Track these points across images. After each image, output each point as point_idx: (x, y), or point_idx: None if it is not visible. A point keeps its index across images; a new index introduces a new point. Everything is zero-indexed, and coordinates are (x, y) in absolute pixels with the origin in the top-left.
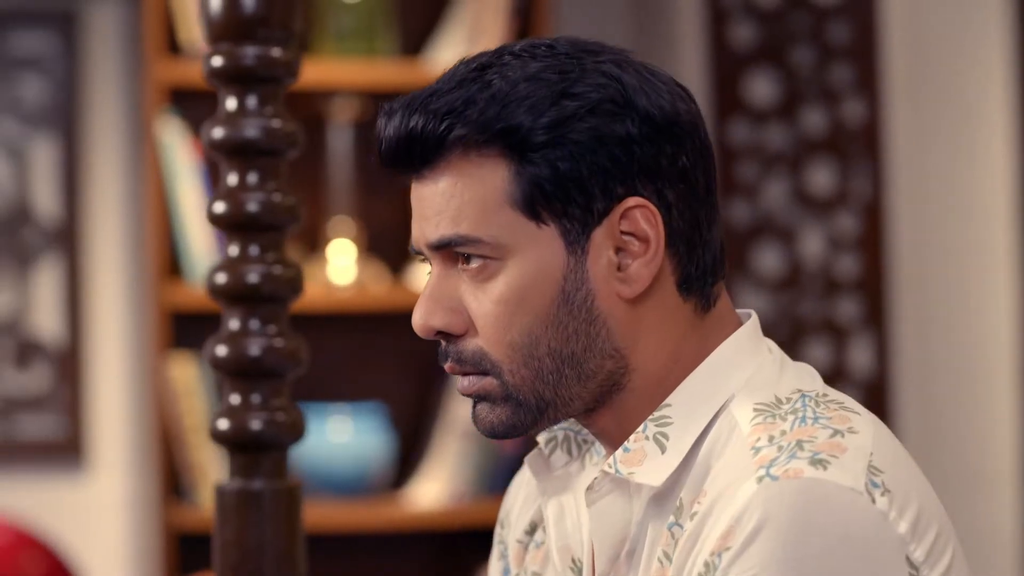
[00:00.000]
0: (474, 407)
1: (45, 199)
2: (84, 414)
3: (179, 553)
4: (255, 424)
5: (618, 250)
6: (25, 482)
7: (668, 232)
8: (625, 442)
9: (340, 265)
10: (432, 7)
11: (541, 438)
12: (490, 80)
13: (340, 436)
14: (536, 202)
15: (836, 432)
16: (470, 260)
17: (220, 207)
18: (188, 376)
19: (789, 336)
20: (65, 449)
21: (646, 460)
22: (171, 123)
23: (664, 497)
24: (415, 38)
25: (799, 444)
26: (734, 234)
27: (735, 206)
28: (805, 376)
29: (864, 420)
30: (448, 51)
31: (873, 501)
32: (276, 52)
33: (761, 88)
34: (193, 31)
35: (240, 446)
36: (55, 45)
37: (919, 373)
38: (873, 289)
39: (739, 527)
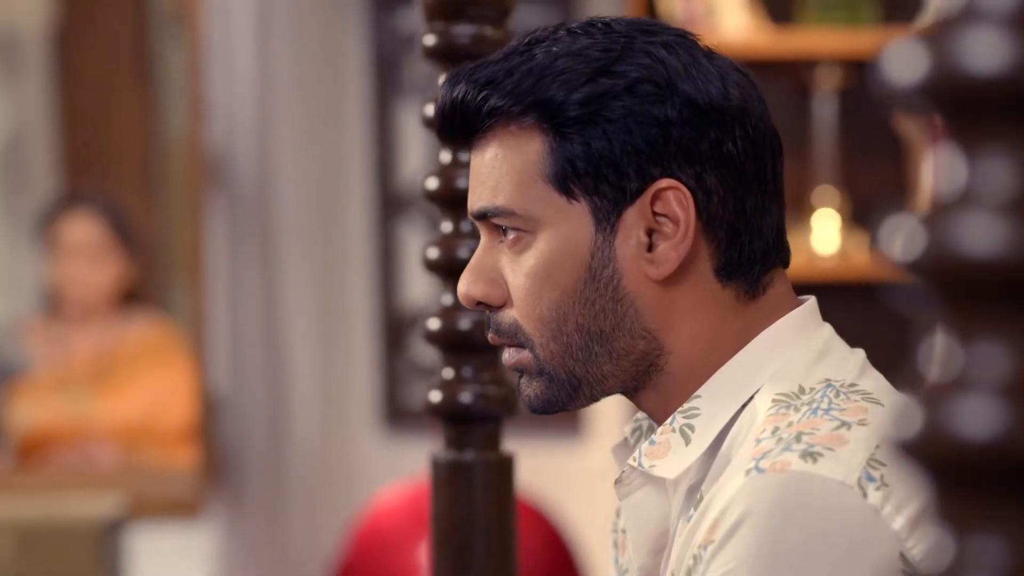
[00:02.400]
0: (518, 381)
1: None
2: None
3: None
4: (465, 397)
5: (651, 231)
6: (525, 451)
7: (706, 217)
8: (653, 435)
9: (824, 235)
10: None
11: (627, 428)
12: (534, 54)
13: None
14: (568, 178)
15: (842, 424)
16: (507, 232)
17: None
18: None
19: None
20: (566, 418)
21: (669, 452)
22: None
23: (695, 490)
24: (898, 6)
25: (798, 436)
26: None
27: None
28: (848, 365)
29: (885, 412)
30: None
31: (865, 496)
32: (488, 31)
33: None
34: (674, 4)
35: (451, 418)
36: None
37: None
38: None
39: (723, 520)
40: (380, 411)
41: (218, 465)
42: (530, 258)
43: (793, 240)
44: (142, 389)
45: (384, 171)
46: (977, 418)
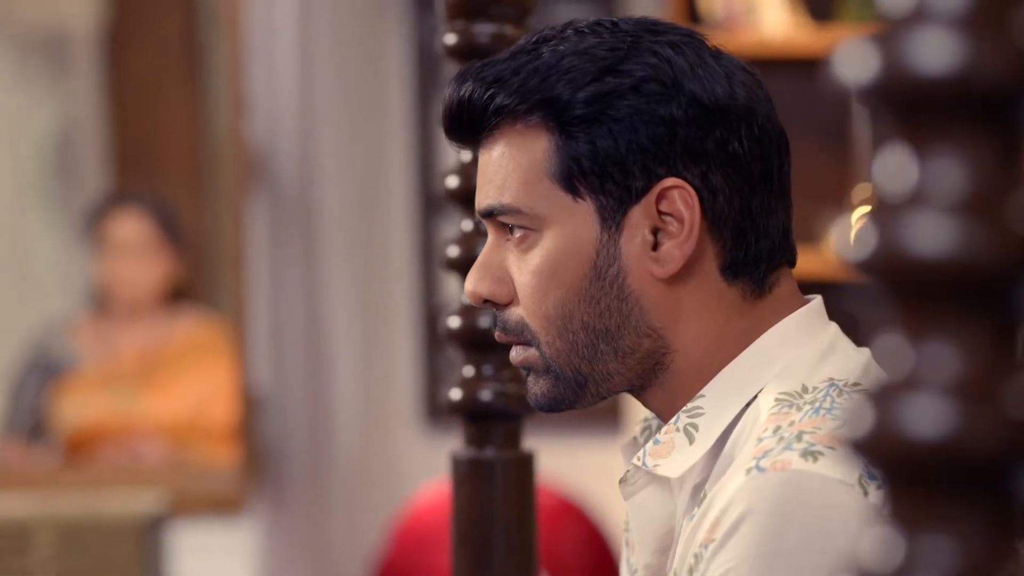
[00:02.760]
0: (526, 379)
1: None
2: None
3: None
4: (485, 395)
5: (656, 230)
6: (567, 447)
7: (712, 216)
8: (657, 434)
9: None
10: None
11: (637, 427)
12: (541, 52)
13: None
14: (573, 176)
15: (844, 423)
16: (514, 230)
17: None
18: None
19: None
20: (605, 414)
21: (673, 452)
22: None
23: (700, 489)
24: None
25: (799, 435)
26: None
27: None
28: (853, 364)
29: None
30: None
31: (866, 494)
32: (508, 30)
33: None
34: (714, 2)
35: (472, 416)
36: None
37: None
38: None
39: (724, 519)
40: (421, 408)
41: (260, 462)
42: (536, 256)
43: (833, 236)
44: (189, 386)
45: (425, 168)
46: (926, 417)
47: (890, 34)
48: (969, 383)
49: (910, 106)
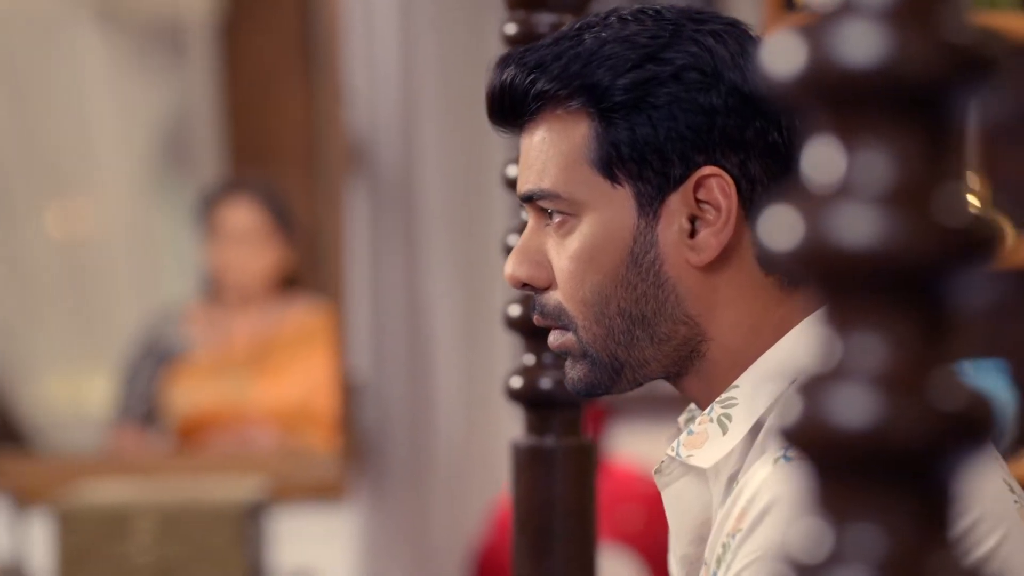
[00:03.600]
0: (562, 364)
1: None
2: None
3: None
4: (545, 383)
5: (694, 218)
6: (644, 436)
7: (749, 205)
8: (691, 424)
9: None
10: None
11: (681, 417)
12: (583, 39)
13: None
14: (612, 162)
15: None
16: (553, 215)
17: None
18: None
19: None
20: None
21: (707, 442)
22: None
23: (734, 480)
24: None
25: None
26: None
27: None
28: None
29: None
30: None
31: None
32: (568, 19)
33: None
34: None
35: (532, 404)
36: None
37: None
38: None
39: (751, 509)
40: None
41: (361, 449)
42: (574, 241)
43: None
44: (299, 374)
45: None
46: (853, 408)
47: (818, 27)
48: (896, 374)
49: (837, 98)
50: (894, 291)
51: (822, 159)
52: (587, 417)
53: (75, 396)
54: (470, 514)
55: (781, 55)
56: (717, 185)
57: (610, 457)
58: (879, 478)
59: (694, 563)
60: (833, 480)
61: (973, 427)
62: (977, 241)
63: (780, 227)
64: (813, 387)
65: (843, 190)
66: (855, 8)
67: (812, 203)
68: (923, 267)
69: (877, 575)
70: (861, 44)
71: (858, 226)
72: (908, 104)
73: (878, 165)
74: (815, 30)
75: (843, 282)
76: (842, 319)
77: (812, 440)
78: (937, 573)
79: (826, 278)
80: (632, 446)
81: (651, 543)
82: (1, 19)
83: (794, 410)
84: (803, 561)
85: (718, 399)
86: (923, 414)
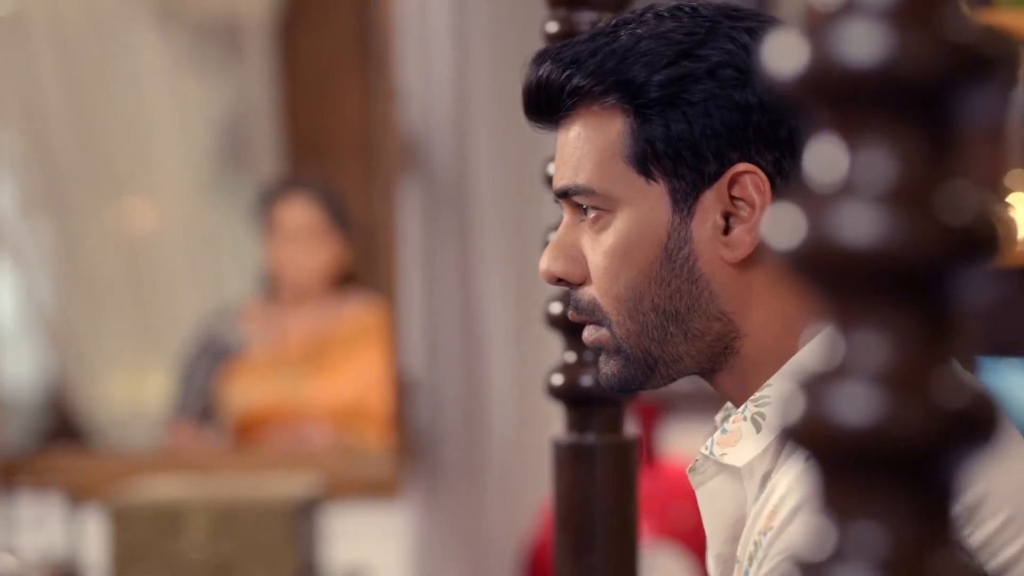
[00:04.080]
0: (596, 359)
1: None
2: None
3: None
4: (586, 380)
5: (727, 214)
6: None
7: None
8: (725, 423)
9: (1018, 218)
10: None
11: (719, 416)
12: (619, 35)
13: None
14: (647, 159)
15: None
16: (588, 211)
17: None
18: None
19: None
20: None
21: (741, 441)
22: None
23: (768, 479)
24: None
25: None
26: None
27: None
28: None
29: None
30: None
31: None
32: (608, 17)
33: None
34: None
35: (573, 401)
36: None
37: None
38: None
39: (782, 507)
40: None
41: (414, 446)
42: (609, 237)
43: None
44: (355, 371)
45: None
46: (855, 405)
47: (820, 26)
48: (898, 372)
49: (839, 98)
50: (896, 289)
51: (824, 158)
52: (640, 414)
53: (133, 393)
54: (523, 511)
55: (784, 55)
56: (751, 182)
57: (662, 454)
58: (881, 476)
59: (728, 561)
60: (835, 478)
61: (975, 425)
62: (979, 239)
63: (783, 226)
64: (815, 385)
65: (845, 189)
66: (857, 7)
67: (814, 202)
68: (925, 265)
69: (879, 574)
70: (863, 43)
71: (860, 225)
72: (910, 103)
73: (880, 164)
74: (817, 30)
75: (845, 280)
76: (844, 317)
77: (814, 438)
78: (939, 572)
79: (828, 277)
80: (684, 443)
81: (703, 540)
82: (61, 19)
83: (796, 408)
84: (807, 559)
85: (752, 398)
86: (925, 412)
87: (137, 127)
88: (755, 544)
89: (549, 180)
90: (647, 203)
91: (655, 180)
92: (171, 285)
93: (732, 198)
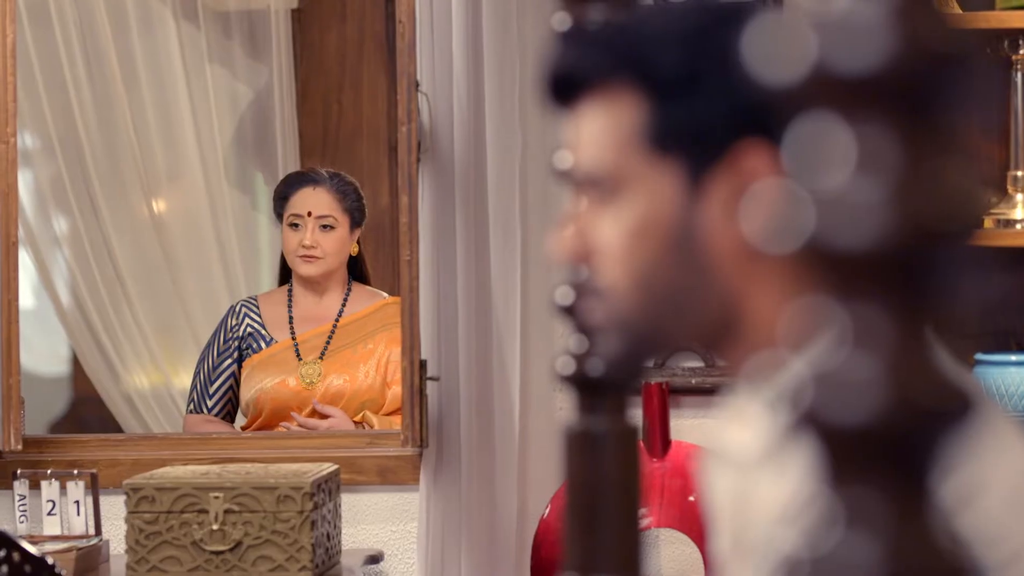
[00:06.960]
0: (603, 340)
1: None
2: None
3: None
4: (594, 365)
5: (738, 192)
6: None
7: None
8: (733, 409)
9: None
10: None
11: (734, 400)
12: (633, 17)
13: None
14: (658, 139)
15: None
16: (598, 191)
17: None
18: None
19: None
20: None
21: (750, 427)
22: None
23: (777, 465)
24: None
25: None
26: None
27: None
28: None
29: None
30: None
31: None
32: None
33: None
34: None
35: (581, 386)
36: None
37: None
38: None
39: (790, 494)
40: None
41: (428, 433)
42: (619, 217)
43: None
44: (370, 362)
45: None
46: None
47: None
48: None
49: (834, 97)
50: (881, 287)
51: (816, 154)
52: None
53: (154, 381)
54: (537, 500)
55: (776, 53)
56: (762, 160)
57: (674, 441)
58: (868, 473)
59: (735, 548)
60: (825, 476)
61: (947, 416)
62: (957, 234)
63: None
64: (804, 379)
65: (839, 186)
66: (850, 8)
67: (804, 189)
68: (910, 265)
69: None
70: (857, 43)
71: (852, 225)
72: (904, 102)
73: (874, 162)
74: (810, 29)
75: (836, 280)
76: (835, 309)
77: (805, 436)
78: (915, 557)
79: (821, 277)
80: (694, 431)
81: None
82: (87, 9)
83: (805, 395)
84: (798, 556)
85: (762, 382)
86: (900, 403)
87: (160, 118)
88: (763, 531)
89: (561, 168)
90: (657, 183)
91: (665, 160)
92: (191, 275)
93: (742, 176)
